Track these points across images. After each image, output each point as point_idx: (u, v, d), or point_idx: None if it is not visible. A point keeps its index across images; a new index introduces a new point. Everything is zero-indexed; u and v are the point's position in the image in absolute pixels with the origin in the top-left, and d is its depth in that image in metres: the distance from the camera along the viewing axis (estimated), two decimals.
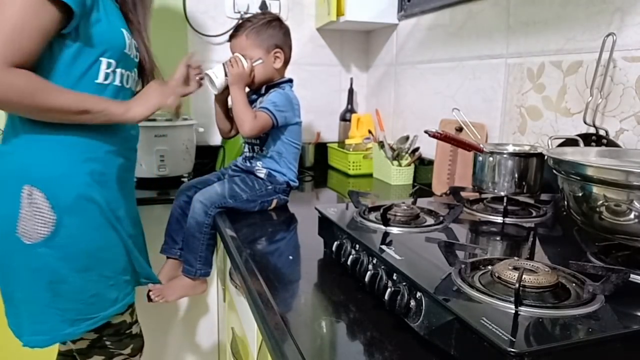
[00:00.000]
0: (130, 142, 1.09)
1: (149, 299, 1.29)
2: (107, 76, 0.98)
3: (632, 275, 0.60)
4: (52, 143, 0.93)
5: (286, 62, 1.32)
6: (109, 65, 0.97)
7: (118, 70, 1.00)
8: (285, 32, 1.32)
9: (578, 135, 1.00)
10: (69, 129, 0.93)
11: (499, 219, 0.91)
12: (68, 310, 0.96)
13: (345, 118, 2.03)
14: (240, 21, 1.31)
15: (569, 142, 1.00)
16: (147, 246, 1.40)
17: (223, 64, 1.26)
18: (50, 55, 0.90)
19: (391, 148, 1.68)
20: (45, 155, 0.93)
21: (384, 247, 0.71)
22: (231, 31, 1.31)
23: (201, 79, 1.25)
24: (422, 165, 1.64)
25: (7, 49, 0.81)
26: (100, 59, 0.95)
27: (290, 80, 1.33)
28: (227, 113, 1.38)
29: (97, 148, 0.99)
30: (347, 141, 1.89)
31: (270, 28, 1.28)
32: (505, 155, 0.97)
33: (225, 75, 1.25)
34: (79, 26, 0.90)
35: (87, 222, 0.97)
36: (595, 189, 0.66)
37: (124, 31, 1.00)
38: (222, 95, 1.33)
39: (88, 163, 0.97)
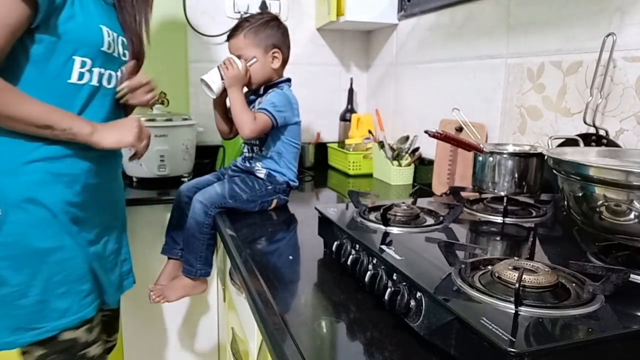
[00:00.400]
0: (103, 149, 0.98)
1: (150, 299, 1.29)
2: (81, 76, 0.93)
3: (632, 275, 0.60)
4: (10, 139, 0.88)
5: (284, 62, 1.32)
6: (83, 64, 0.92)
7: (95, 70, 0.95)
8: (284, 32, 1.31)
9: (578, 135, 1.00)
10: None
11: (499, 219, 0.91)
12: (9, 317, 0.90)
13: (345, 118, 2.03)
14: (239, 21, 1.31)
15: (569, 142, 1.00)
16: (148, 246, 1.40)
17: (217, 67, 1.26)
18: (22, 55, 0.86)
19: (391, 148, 1.68)
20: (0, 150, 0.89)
21: (384, 247, 0.71)
22: (229, 31, 1.31)
23: (151, 95, 1.12)
24: (422, 165, 1.64)
25: None
26: (74, 57, 0.90)
27: (288, 80, 1.33)
28: (226, 115, 1.37)
29: (60, 149, 0.92)
30: (347, 141, 1.89)
31: (269, 28, 1.28)
32: (505, 155, 0.97)
33: (222, 78, 1.25)
34: (49, 23, 0.86)
35: (35, 221, 0.90)
36: (596, 189, 0.66)
37: (104, 28, 0.95)
38: (220, 98, 1.33)
39: (48, 162, 0.91)
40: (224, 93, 1.29)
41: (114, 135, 0.97)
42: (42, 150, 0.91)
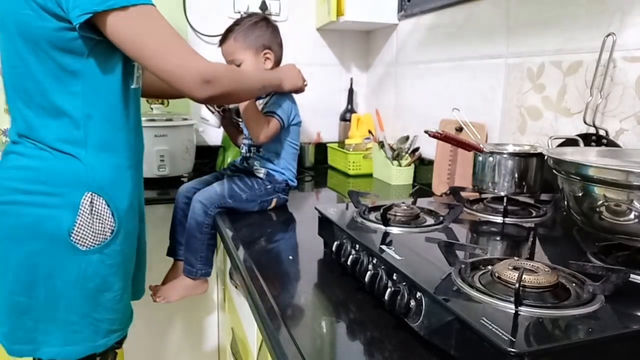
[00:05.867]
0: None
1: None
2: (137, 80, 0.97)
3: (632, 275, 0.60)
4: (111, 150, 0.92)
5: (278, 61, 1.33)
6: (137, 69, 0.96)
7: (140, 72, 0.99)
8: (273, 31, 1.31)
9: (578, 135, 1.00)
10: (121, 136, 0.94)
11: (499, 219, 0.90)
12: (103, 321, 0.94)
13: (345, 118, 2.03)
14: (229, 26, 1.31)
15: (569, 142, 1.00)
16: (148, 246, 1.40)
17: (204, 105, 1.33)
18: (112, 67, 0.89)
19: (391, 148, 1.68)
20: (104, 162, 0.92)
21: (384, 247, 0.71)
22: (221, 37, 1.31)
23: None
24: (422, 165, 1.64)
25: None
26: (133, 63, 0.94)
27: None
28: (238, 130, 1.42)
29: (136, 154, 0.99)
30: (347, 141, 1.89)
31: (257, 29, 1.28)
32: (505, 155, 0.97)
33: (212, 112, 1.34)
34: None
35: (132, 229, 0.98)
36: (596, 189, 0.66)
37: None
38: (225, 120, 1.39)
39: (131, 170, 0.97)
40: (225, 116, 1.37)
41: (292, 82, 1.23)
42: (131, 158, 0.97)
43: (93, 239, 0.90)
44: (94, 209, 0.90)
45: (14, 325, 0.91)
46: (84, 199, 0.89)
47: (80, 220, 0.88)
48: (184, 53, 0.86)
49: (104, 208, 0.91)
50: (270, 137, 1.24)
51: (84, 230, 0.89)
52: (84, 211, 0.89)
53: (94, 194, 0.90)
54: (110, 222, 0.92)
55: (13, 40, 0.85)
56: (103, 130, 0.91)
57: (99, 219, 0.90)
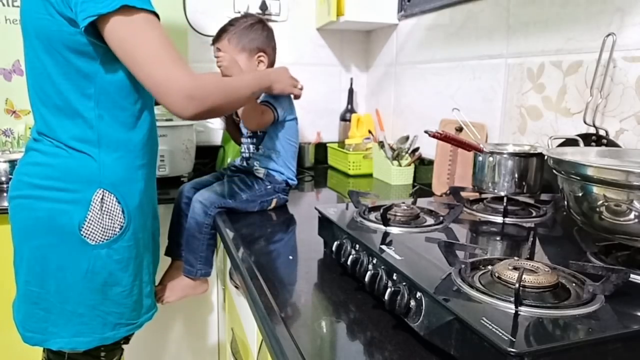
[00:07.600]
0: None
1: None
2: None
3: (632, 275, 0.60)
4: (123, 149, 0.95)
5: (271, 64, 1.33)
6: None
7: None
8: (268, 34, 1.31)
9: (578, 135, 1.00)
10: (133, 136, 0.96)
11: (499, 219, 0.90)
12: (111, 314, 0.97)
13: (345, 118, 2.03)
14: (223, 25, 1.30)
15: (569, 142, 1.00)
16: None
17: None
18: (124, 71, 0.92)
19: (391, 148, 1.68)
20: (117, 161, 0.95)
21: (384, 247, 0.71)
22: (214, 36, 1.30)
23: None
24: (422, 165, 1.64)
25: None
26: None
27: None
28: (238, 129, 1.43)
29: (149, 153, 1.01)
30: (347, 141, 1.89)
31: (252, 32, 1.27)
32: (505, 155, 0.97)
33: None
34: None
35: (142, 226, 1.00)
36: (595, 189, 0.66)
37: None
38: (228, 119, 1.42)
39: (143, 169, 1.00)
40: (228, 120, 1.40)
41: (280, 86, 1.19)
42: (143, 157, 0.99)
43: (102, 234, 0.93)
44: (104, 205, 0.93)
45: (27, 314, 0.95)
46: (95, 196, 0.92)
47: (91, 216, 0.92)
48: (172, 66, 0.84)
49: (115, 205, 0.94)
50: (263, 126, 1.24)
51: (93, 226, 0.92)
52: (94, 207, 0.92)
53: (105, 191, 0.93)
54: (120, 218, 0.95)
55: (33, 44, 0.89)
56: (115, 131, 0.94)
57: (109, 215, 0.94)
